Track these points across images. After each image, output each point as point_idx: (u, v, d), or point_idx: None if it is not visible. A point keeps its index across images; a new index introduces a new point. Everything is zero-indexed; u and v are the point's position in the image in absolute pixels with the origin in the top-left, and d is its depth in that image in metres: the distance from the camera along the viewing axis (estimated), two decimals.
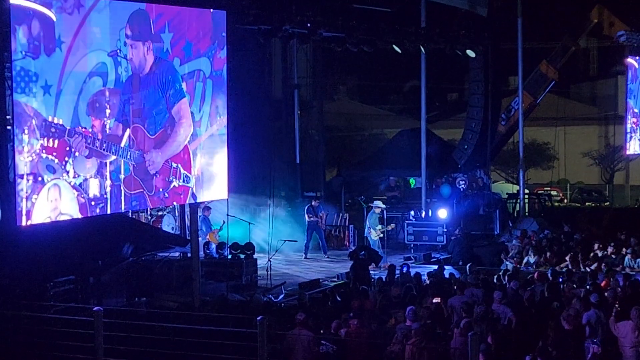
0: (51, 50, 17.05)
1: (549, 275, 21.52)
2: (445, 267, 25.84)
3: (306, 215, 30.37)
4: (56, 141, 17.20)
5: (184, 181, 20.30)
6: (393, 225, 30.34)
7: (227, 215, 25.68)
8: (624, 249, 27.11)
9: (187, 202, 21.48)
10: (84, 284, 20.04)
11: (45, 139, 16.98)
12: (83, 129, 17.78)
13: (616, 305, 17.12)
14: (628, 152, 40.13)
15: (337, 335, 15.91)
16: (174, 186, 20.15)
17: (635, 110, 38.10)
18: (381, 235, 29.56)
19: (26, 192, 16.60)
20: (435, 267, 25.31)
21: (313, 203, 30.99)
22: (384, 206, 30.64)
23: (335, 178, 39.28)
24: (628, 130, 37.86)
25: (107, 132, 18.38)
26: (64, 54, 17.32)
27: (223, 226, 27.07)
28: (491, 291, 19.13)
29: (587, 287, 19.55)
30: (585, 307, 17.25)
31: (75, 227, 18.83)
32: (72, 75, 17.53)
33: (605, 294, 18.75)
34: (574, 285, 20.14)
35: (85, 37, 17.78)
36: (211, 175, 21.16)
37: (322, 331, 16.30)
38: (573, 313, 16.58)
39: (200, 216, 26.70)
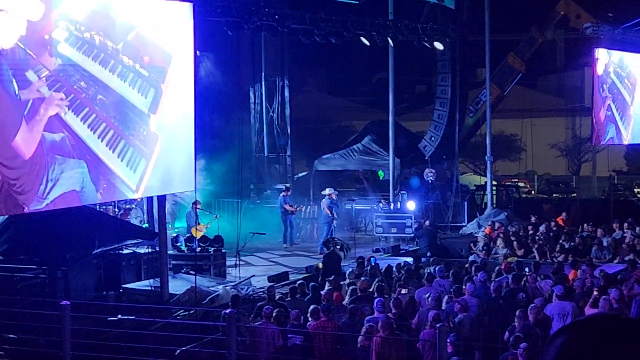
0: None
1: (515, 266, 21.64)
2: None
3: (284, 206, 30.82)
4: None
5: None
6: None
7: (205, 211, 25.68)
8: (590, 240, 27.34)
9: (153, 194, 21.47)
10: (52, 278, 19.95)
11: None
12: None
13: (595, 293, 17.27)
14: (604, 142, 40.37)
15: (299, 325, 15.94)
16: None
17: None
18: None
19: None
20: (404, 259, 25.48)
21: (282, 194, 31.32)
22: (335, 192, 31.28)
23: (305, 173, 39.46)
24: (602, 121, 37.92)
25: None
26: None
27: (212, 221, 27.11)
28: (461, 283, 19.29)
29: (554, 278, 19.67)
30: (550, 299, 17.38)
31: (41, 219, 18.74)
32: None
33: (574, 285, 18.94)
34: (540, 277, 20.28)
35: None
36: (176, 167, 20.97)
37: (288, 325, 16.32)
38: (539, 304, 16.69)
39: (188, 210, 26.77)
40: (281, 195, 31.50)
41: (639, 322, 2.55)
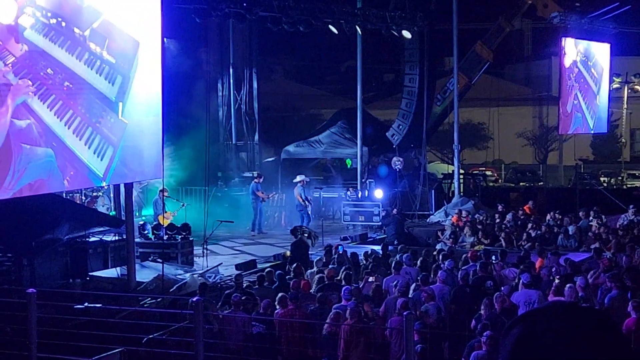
0: None
1: (482, 254, 21.70)
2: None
3: (257, 193, 30.88)
4: None
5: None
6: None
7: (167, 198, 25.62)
8: (556, 228, 27.50)
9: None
10: (18, 265, 19.82)
11: None
12: None
13: (556, 281, 17.35)
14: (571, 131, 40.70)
15: (267, 315, 15.95)
16: None
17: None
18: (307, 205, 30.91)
19: None
20: (372, 247, 25.53)
21: (255, 180, 31.38)
22: (307, 178, 31.52)
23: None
24: (569, 110, 38.15)
25: None
26: None
27: (179, 209, 27.10)
28: (428, 271, 19.37)
29: (520, 267, 19.75)
30: (517, 287, 17.46)
31: (7, 207, 18.59)
32: None
33: (540, 273, 19.02)
34: (507, 265, 20.37)
35: None
36: (144, 154, 20.85)
37: (253, 313, 16.33)
38: (505, 292, 16.78)
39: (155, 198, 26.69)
40: (253, 181, 31.51)
41: (596, 310, 2.57)
